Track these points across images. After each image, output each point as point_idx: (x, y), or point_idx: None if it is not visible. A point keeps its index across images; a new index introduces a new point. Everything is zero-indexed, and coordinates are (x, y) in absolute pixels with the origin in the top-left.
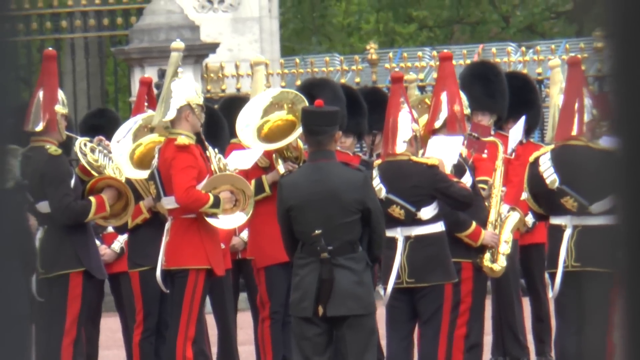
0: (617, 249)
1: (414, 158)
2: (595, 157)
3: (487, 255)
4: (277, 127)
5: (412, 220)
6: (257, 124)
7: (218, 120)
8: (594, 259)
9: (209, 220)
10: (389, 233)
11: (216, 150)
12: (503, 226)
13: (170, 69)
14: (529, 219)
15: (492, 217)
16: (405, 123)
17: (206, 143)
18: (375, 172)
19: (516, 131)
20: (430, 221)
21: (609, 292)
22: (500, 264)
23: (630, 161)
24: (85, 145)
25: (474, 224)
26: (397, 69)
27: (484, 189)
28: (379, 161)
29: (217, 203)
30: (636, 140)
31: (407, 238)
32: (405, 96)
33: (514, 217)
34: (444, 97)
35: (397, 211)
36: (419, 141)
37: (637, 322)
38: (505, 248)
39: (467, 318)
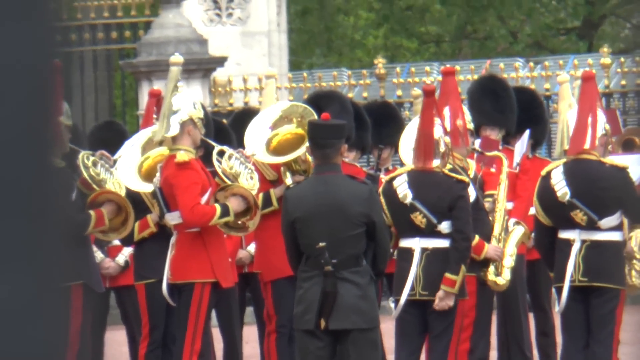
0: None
1: (445, 171)
2: (606, 172)
3: (491, 269)
4: (286, 141)
5: (432, 231)
6: (266, 137)
7: (227, 134)
8: (602, 274)
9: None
10: (406, 243)
11: (230, 151)
12: (507, 240)
13: (170, 83)
14: None
15: (496, 231)
16: (440, 137)
17: (220, 147)
18: (403, 178)
19: (521, 145)
20: (448, 235)
21: (616, 307)
22: (505, 277)
23: None
24: (88, 158)
25: (477, 237)
26: (404, 84)
27: (488, 201)
28: (398, 172)
29: (225, 211)
30: None
31: (423, 250)
32: (438, 109)
33: (519, 231)
34: (446, 111)
35: (419, 219)
36: (450, 154)
37: None
38: (509, 262)
39: (470, 332)
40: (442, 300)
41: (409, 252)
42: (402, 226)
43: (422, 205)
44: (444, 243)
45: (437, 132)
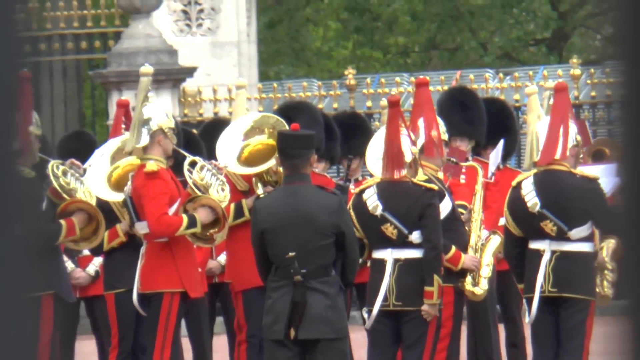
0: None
1: (414, 180)
2: (577, 183)
3: (469, 279)
4: (258, 151)
5: (403, 242)
6: (238, 148)
7: (196, 144)
8: (571, 285)
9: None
10: (378, 255)
11: (203, 162)
12: (484, 250)
13: (141, 94)
14: None
15: (472, 241)
16: (406, 147)
17: (193, 158)
18: (372, 190)
19: (495, 155)
20: (420, 246)
21: (585, 319)
22: (482, 287)
23: (636, 187)
24: (57, 167)
25: (453, 248)
26: (374, 95)
27: (462, 213)
28: (367, 184)
29: (192, 222)
30: None
31: (396, 261)
32: (403, 119)
33: (495, 240)
34: (421, 122)
35: (390, 230)
36: (418, 164)
37: None
38: (486, 271)
39: (447, 342)
40: (426, 312)
41: (381, 263)
42: (373, 238)
43: (393, 217)
44: (416, 253)
45: (403, 142)
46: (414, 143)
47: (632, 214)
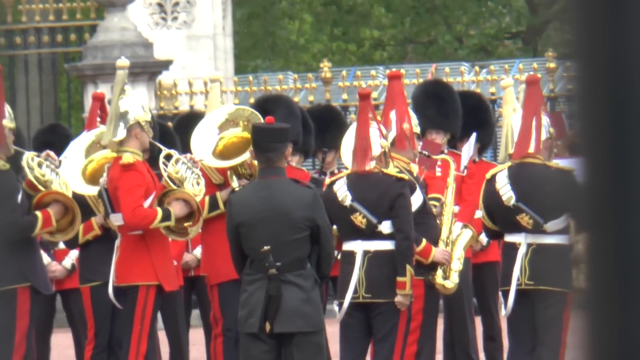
0: (577, 270)
1: (384, 170)
2: (552, 176)
3: (439, 272)
4: (232, 144)
5: (372, 232)
6: (213, 141)
7: (170, 138)
8: (548, 278)
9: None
10: (348, 246)
11: (179, 157)
12: (455, 243)
13: (117, 87)
14: (484, 238)
15: (443, 234)
16: (375, 140)
17: (168, 151)
18: (342, 181)
19: (468, 148)
20: (389, 236)
21: (562, 311)
22: (453, 280)
23: (593, 183)
24: (33, 159)
25: (424, 241)
26: (350, 88)
27: (435, 206)
28: (338, 176)
29: (167, 216)
30: (599, 162)
31: (365, 252)
32: (374, 112)
33: (467, 234)
34: (393, 115)
35: (359, 219)
36: (388, 156)
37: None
38: (457, 265)
39: (417, 336)
40: (399, 303)
41: (351, 255)
42: (344, 229)
43: (362, 206)
44: (386, 245)
45: (372, 135)
46: (384, 136)
47: (591, 211)
